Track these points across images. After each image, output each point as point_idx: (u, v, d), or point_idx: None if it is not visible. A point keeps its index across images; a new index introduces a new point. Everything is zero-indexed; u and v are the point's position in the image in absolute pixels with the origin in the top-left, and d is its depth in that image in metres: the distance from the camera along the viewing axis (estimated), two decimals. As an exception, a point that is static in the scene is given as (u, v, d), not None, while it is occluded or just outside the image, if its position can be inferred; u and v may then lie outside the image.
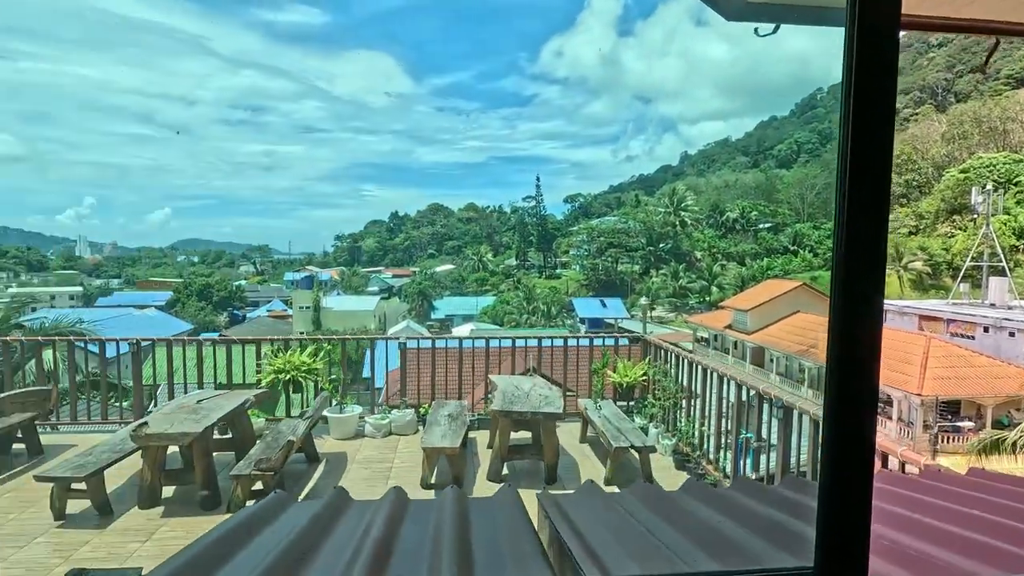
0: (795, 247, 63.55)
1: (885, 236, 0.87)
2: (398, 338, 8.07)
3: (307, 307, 55.35)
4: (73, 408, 6.38)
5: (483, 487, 4.89)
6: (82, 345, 7.20)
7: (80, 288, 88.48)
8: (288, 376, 5.98)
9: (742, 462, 4.51)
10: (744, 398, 4.56)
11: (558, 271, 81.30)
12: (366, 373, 9.63)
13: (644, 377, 6.45)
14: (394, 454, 5.64)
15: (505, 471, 5.21)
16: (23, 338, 9.00)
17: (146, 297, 73.21)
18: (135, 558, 3.65)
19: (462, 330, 51.32)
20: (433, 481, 4.88)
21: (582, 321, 45.08)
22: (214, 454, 5.18)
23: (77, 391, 6.49)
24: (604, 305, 42.11)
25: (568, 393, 6.40)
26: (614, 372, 6.57)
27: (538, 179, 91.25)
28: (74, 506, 4.21)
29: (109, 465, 4.28)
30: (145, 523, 4.14)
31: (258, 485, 4.29)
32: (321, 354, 6.37)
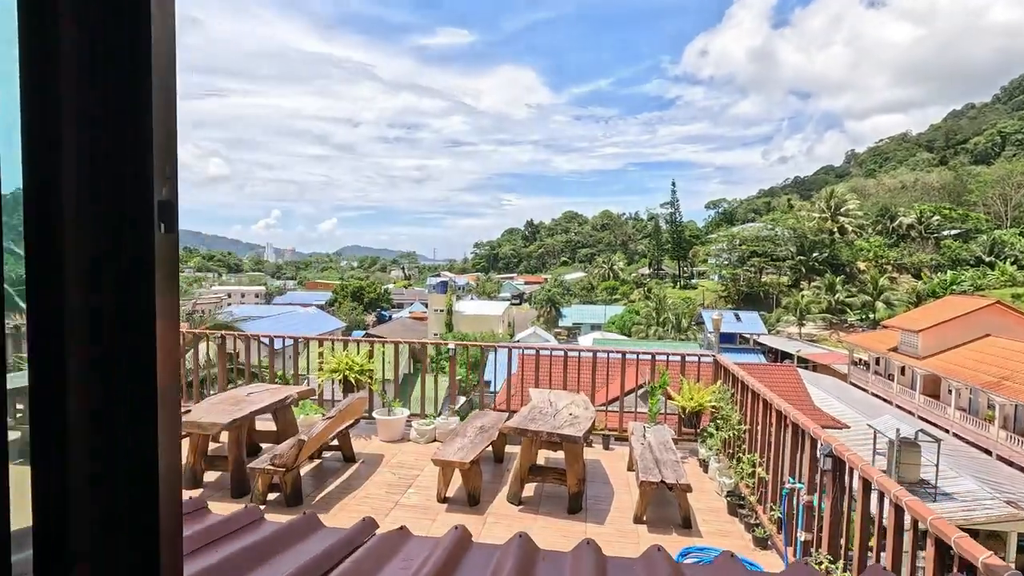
0: (992, 258, 53.04)
1: None
2: (489, 346, 8.03)
3: (441, 310, 58.60)
4: (197, 394, 7.24)
5: (501, 507, 4.59)
6: (266, 341, 7.97)
7: (264, 287, 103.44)
8: (341, 375, 6.19)
9: (786, 521, 3.65)
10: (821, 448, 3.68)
11: (693, 281, 76.74)
12: (489, 375, 10.08)
13: (713, 402, 5.64)
14: (427, 463, 5.55)
15: (530, 493, 4.85)
16: (191, 331, 10.54)
17: (311, 297, 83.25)
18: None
19: (587, 339, 50.65)
20: (450, 495, 4.69)
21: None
22: (262, 444, 5.55)
23: (226, 378, 7.32)
24: (738, 319, 38.69)
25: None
26: (678, 394, 5.84)
27: (674, 184, 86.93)
28: (133, 480, 4.73)
29: (160, 446, 4.74)
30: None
31: (277, 479, 4.45)
32: (376, 355, 6.53)
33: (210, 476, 4.92)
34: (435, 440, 6.08)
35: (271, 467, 4.31)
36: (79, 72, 0.56)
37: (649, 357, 6.25)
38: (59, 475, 0.61)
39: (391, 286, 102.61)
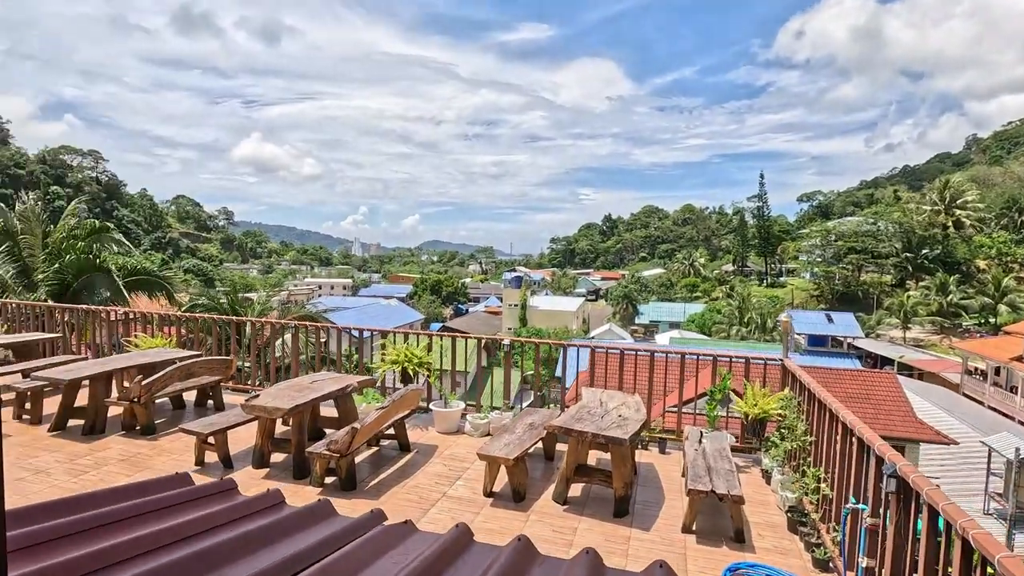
0: None
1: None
2: (561, 343, 8.03)
3: (515, 305, 59.07)
4: (274, 377, 7.82)
5: (546, 505, 4.56)
6: (355, 333, 8.53)
7: (351, 280, 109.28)
8: (400, 367, 6.41)
9: (847, 544, 3.33)
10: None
11: (782, 279, 72.14)
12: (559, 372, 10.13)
13: (778, 410, 5.28)
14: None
15: (577, 494, 4.78)
16: (277, 321, 11.42)
17: (393, 289, 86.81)
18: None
19: (664, 337, 49.10)
20: (496, 490, 4.72)
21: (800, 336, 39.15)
22: (327, 430, 5.85)
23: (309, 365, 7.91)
24: (830, 320, 35.82)
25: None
26: (741, 399, 5.52)
27: (762, 176, 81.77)
28: (210, 456, 5.16)
29: (233, 427, 5.14)
30: (250, 480, 4.84)
31: (333, 464, 4.68)
32: (435, 348, 6.68)
33: (276, 457, 5.26)
34: (488, 434, 6.14)
35: (327, 452, 4.54)
36: None
37: (711, 358, 5.94)
38: None
39: (468, 280, 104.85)
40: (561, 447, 5.61)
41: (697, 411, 8.38)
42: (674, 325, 57.30)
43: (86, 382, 5.87)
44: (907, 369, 35.03)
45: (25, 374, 6.50)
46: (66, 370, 5.88)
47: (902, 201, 72.85)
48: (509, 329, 55.12)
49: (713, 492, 3.95)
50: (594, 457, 5.48)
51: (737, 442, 5.74)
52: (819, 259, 65.88)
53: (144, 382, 5.68)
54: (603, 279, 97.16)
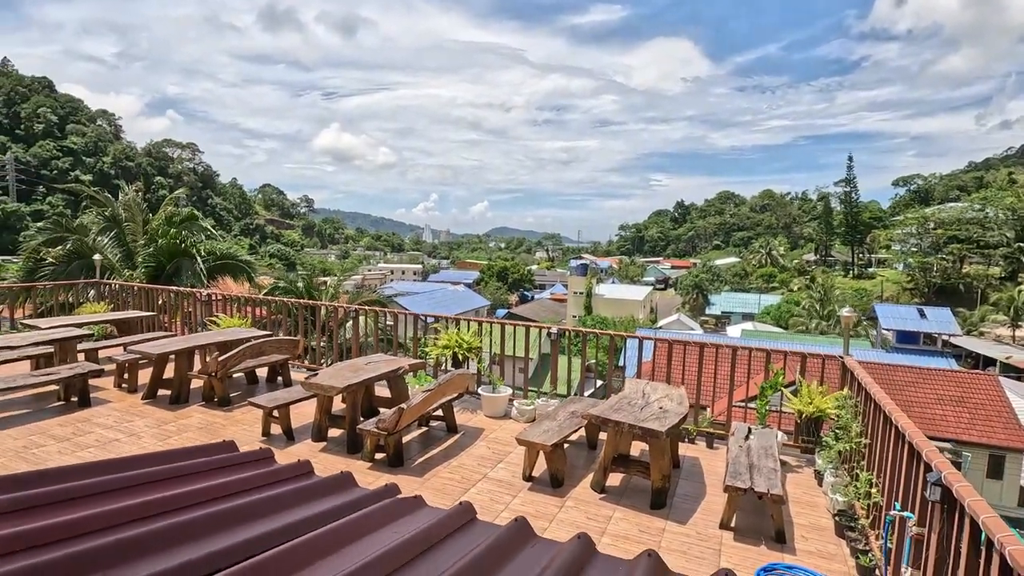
0: None
1: None
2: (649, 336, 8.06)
3: (580, 292, 58.69)
4: (342, 357, 8.33)
5: (583, 493, 4.62)
6: (426, 318, 9.00)
7: (420, 266, 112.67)
8: (450, 352, 6.63)
9: (892, 553, 3.15)
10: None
11: (871, 270, 67.06)
12: (622, 361, 10.16)
13: (834, 410, 5.02)
14: (523, 440, 5.73)
15: (616, 483, 4.80)
16: (343, 305, 12.14)
17: (460, 275, 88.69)
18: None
19: (736, 329, 47.14)
20: (535, 475, 4.83)
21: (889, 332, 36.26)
22: (381, 409, 6.17)
23: (369, 346, 8.45)
24: (923, 315, 32.91)
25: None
26: (795, 397, 5.30)
27: (850, 159, 75.82)
28: (275, 428, 5.61)
29: (295, 402, 5.55)
30: (308, 452, 5.22)
31: (382, 442, 4.96)
32: (496, 335, 6.86)
33: (333, 432, 5.63)
34: (534, 420, 6.25)
35: (376, 429, 4.82)
36: None
37: (764, 352, 5.72)
38: None
39: (535, 267, 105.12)
40: (604, 436, 5.62)
41: (750, 408, 8.12)
42: (747, 317, 54.88)
43: (173, 356, 6.52)
44: (1014, 371, 31.77)
45: (125, 348, 7.30)
46: (156, 345, 6.54)
47: (1017, 185, 65.45)
48: (574, 317, 54.91)
49: (752, 490, 3.85)
50: (637, 448, 5.46)
51: (790, 441, 5.52)
52: (914, 249, 60.64)
53: (220, 358, 6.23)
54: (673, 268, 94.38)
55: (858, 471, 4.28)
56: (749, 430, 5.01)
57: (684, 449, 5.60)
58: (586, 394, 8.34)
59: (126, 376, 6.86)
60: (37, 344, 6.59)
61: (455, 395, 5.86)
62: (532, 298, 77.29)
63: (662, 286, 78.91)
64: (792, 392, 5.43)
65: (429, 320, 7.98)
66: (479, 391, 6.61)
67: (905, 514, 3.04)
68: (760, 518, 4.21)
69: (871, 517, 3.89)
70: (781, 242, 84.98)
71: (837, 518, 4.12)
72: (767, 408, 5.28)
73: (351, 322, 11.63)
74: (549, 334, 6.73)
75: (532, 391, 6.69)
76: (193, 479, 1.96)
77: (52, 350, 6.76)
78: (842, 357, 5.32)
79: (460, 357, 6.65)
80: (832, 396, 5.13)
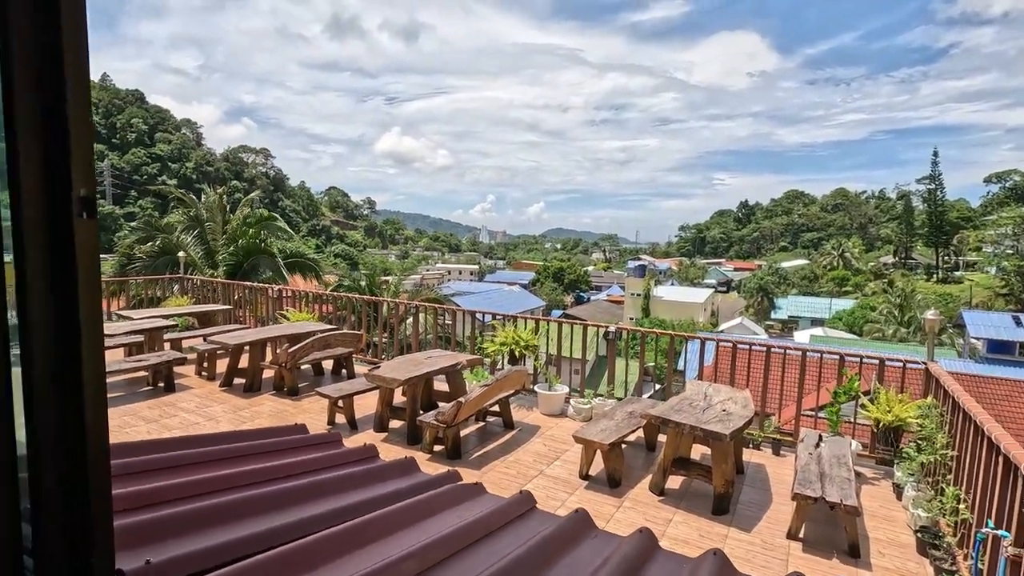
0: None
1: None
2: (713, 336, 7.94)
3: (638, 294, 57.56)
4: (403, 351, 8.60)
5: (641, 494, 4.53)
6: (481, 316, 9.31)
7: (477, 266, 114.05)
8: (507, 349, 6.68)
9: (983, 573, 2.88)
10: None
11: (958, 273, 62.01)
12: (681, 364, 10.02)
13: (917, 419, 4.68)
14: (579, 439, 5.69)
15: (676, 486, 4.68)
16: (405, 302, 12.51)
17: (516, 276, 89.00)
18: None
19: (804, 335, 44.80)
20: (592, 474, 4.79)
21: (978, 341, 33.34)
22: (439, 403, 6.30)
23: (427, 342, 8.73)
24: (1019, 323, 30.01)
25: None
26: (872, 404, 4.98)
27: (935, 154, 70.31)
28: (339, 418, 5.83)
29: (358, 393, 5.76)
30: (370, 441, 5.39)
31: (441, 435, 5.06)
32: (552, 334, 6.86)
33: (394, 424, 5.80)
34: (591, 419, 6.19)
35: (435, 422, 4.92)
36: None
37: (836, 357, 5.41)
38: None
39: (591, 268, 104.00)
40: (663, 438, 5.50)
41: (820, 418, 7.73)
42: (817, 322, 52.07)
43: (247, 347, 6.92)
44: None
45: (204, 338, 7.81)
46: (232, 337, 6.96)
47: None
48: (631, 319, 53.95)
49: (823, 499, 3.66)
50: (698, 452, 5.30)
51: (864, 451, 5.20)
52: (1010, 251, 55.56)
53: (290, 350, 6.55)
54: (736, 270, 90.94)
55: (943, 485, 3.97)
56: (820, 437, 4.76)
57: (748, 455, 5.38)
58: (644, 396, 8.18)
59: (205, 364, 7.34)
60: (130, 333, 7.16)
61: (512, 391, 5.90)
62: (588, 299, 76.53)
63: (724, 289, 76.20)
64: (868, 400, 5.11)
65: (486, 319, 8.09)
66: (535, 388, 6.62)
67: (1000, 532, 2.79)
68: (832, 530, 3.99)
69: (958, 535, 3.60)
70: (855, 244, 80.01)
71: (919, 535, 3.84)
72: (839, 416, 4.99)
73: (411, 319, 11.99)
74: (606, 334, 6.64)
75: (588, 391, 6.63)
76: (269, 456, 2.09)
77: (143, 339, 7.33)
78: (926, 363, 4.95)
79: (517, 354, 6.68)
80: (914, 404, 4.79)
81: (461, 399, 4.92)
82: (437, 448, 5.19)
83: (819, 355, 5.61)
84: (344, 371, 7.59)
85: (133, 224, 14.67)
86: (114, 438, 5.08)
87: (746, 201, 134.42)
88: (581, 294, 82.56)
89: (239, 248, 12.95)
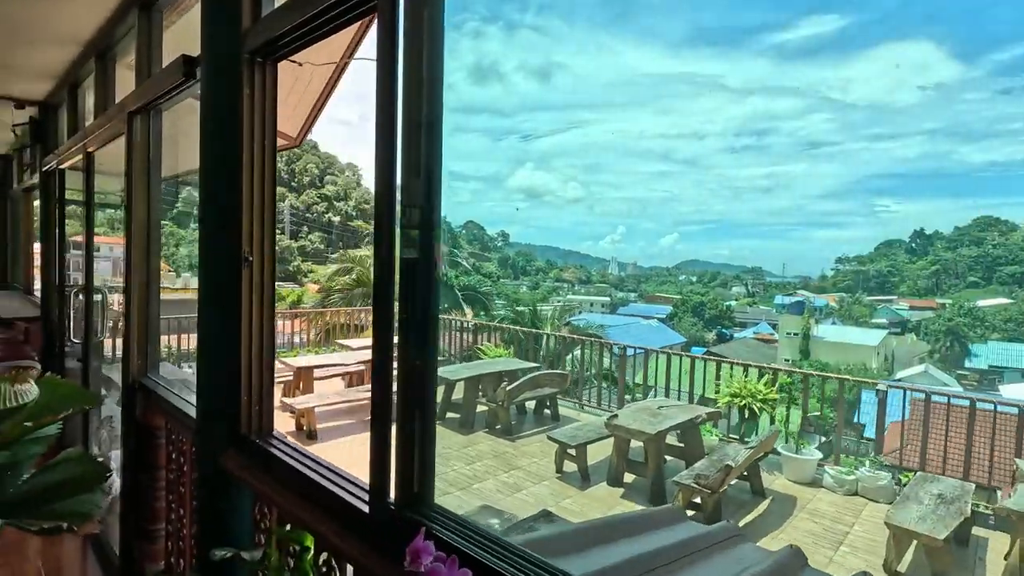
0: None
1: None
2: (904, 385, 6.81)
3: (794, 334, 52.15)
4: (580, 392, 8.32)
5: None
6: (617, 349, 9.07)
7: (608, 299, 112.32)
8: (743, 402, 5.99)
9: None
10: None
11: None
12: (862, 418, 8.71)
13: None
14: (855, 519, 4.81)
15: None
16: (571, 335, 12.37)
17: (651, 309, 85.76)
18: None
19: (1014, 389, 37.16)
20: (901, 570, 3.92)
21: None
22: (667, 457, 5.79)
23: (590, 380, 8.45)
24: None
25: None
26: None
27: None
28: (568, 466, 5.55)
29: (591, 442, 5.43)
30: (607, 496, 5.04)
31: (698, 499, 4.53)
32: (777, 385, 6.08)
33: (628, 477, 5.37)
34: (856, 494, 5.25)
35: (696, 485, 4.41)
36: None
37: None
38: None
39: (733, 303, 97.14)
40: (983, 533, 4.43)
41: None
42: (1031, 374, 43.04)
43: (462, 383, 6.99)
44: None
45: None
46: (448, 371, 7.10)
47: None
48: (786, 360, 48.96)
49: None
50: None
51: None
52: None
53: (508, 388, 6.48)
54: (912, 308, 79.34)
55: None
56: None
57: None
58: (813, 448, 6.89)
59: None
60: (357, 363, 7.65)
61: (763, 454, 5.20)
62: (731, 336, 71.22)
63: (899, 330, 66.68)
64: None
65: (637, 351, 7.64)
66: (779, 450, 5.82)
67: None
68: None
69: None
70: (1079, 280, 65.56)
71: None
72: None
73: (572, 353, 11.68)
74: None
75: (847, 459, 5.68)
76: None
77: (363, 368, 7.79)
78: None
79: (749, 410, 5.96)
80: None
81: (729, 463, 4.36)
82: (689, 513, 4.65)
83: None
84: (547, 411, 7.39)
85: (333, 256, 16.23)
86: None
87: (922, 230, 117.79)
88: (723, 331, 77.26)
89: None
